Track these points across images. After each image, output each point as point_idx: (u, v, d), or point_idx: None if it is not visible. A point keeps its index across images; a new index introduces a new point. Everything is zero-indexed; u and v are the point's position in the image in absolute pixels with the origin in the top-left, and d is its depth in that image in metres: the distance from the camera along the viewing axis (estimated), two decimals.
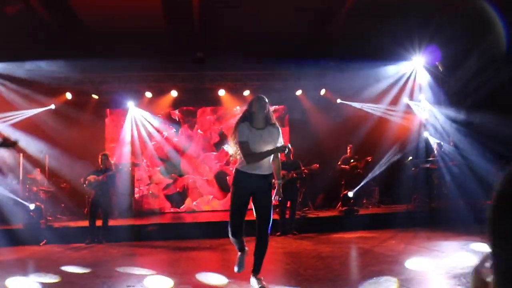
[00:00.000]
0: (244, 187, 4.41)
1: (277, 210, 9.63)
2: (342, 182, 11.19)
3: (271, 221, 4.54)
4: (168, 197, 12.86)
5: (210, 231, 8.76)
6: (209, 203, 12.76)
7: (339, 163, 11.32)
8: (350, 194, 9.99)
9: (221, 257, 6.87)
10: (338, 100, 12.76)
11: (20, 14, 9.60)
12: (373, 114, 12.34)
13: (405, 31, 10.21)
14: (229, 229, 4.46)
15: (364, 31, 9.82)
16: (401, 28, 9.89)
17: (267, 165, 4.41)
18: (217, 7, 10.04)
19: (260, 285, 4.38)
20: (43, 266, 6.28)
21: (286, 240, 8.15)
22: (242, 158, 4.39)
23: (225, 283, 4.87)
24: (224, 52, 11.20)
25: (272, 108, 13.07)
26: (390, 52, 10.54)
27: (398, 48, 10.62)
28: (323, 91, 12.65)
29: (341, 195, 10.41)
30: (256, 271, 4.53)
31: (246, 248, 4.67)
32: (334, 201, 11.33)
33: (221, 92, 12.37)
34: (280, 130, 4.55)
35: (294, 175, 8.79)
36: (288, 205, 8.89)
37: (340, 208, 10.19)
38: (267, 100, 4.46)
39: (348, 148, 11.43)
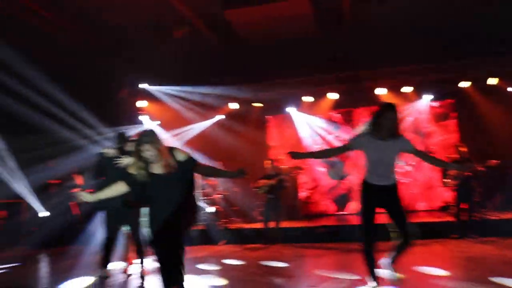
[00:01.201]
0: (368, 197, 4.52)
1: (452, 212, 9.09)
2: None
3: (406, 222, 4.46)
4: (333, 200, 13.02)
5: (380, 233, 8.60)
6: None
7: None
8: None
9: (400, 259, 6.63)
10: (510, 89, 11.53)
11: (187, 37, 10.65)
12: None
13: None
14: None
15: None
16: None
17: (386, 175, 4.45)
18: (367, 4, 9.91)
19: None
20: (225, 264, 6.81)
21: (464, 243, 7.62)
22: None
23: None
24: (380, 48, 10.97)
25: (436, 103, 12.41)
26: None
27: None
28: (494, 80, 11.55)
29: None
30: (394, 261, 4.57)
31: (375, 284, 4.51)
32: None
33: (380, 91, 12.07)
34: (406, 141, 4.48)
35: (470, 173, 8.21)
36: (464, 205, 8.32)
37: None
38: (395, 111, 4.39)
39: None
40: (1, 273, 7.33)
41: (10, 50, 9.07)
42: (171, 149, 3.93)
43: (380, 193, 4.44)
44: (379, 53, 11.04)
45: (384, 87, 12.01)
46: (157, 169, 3.81)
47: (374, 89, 12.10)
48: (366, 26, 10.45)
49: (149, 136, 3.82)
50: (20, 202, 10.96)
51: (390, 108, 4.40)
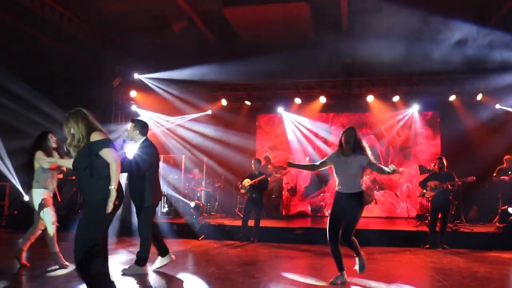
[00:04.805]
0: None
1: (426, 221, 9.34)
2: (499, 196, 10.37)
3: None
4: (311, 202, 13.30)
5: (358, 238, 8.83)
6: None
7: (494, 174, 10.50)
8: (511, 210, 9.20)
9: (368, 266, 6.83)
10: (497, 106, 11.81)
11: (184, 31, 10.75)
12: None
13: None
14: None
15: None
16: None
17: (350, 185, 5.27)
18: (365, 13, 10.10)
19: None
20: (204, 260, 6.98)
21: (435, 254, 7.85)
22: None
23: None
24: (372, 57, 11.14)
25: (423, 114, 12.45)
26: None
27: None
28: (480, 96, 11.82)
29: (500, 210, 9.65)
30: None
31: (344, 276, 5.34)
32: (489, 215, 10.61)
33: (370, 98, 12.29)
34: (365, 157, 5.29)
35: (449, 186, 8.45)
36: (439, 216, 8.55)
37: (497, 224, 9.47)
38: (354, 132, 5.34)
39: (505, 159, 10.53)
40: None
41: None
42: (90, 130, 3.94)
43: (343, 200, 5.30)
44: (371, 60, 11.24)
45: (373, 95, 12.22)
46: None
47: (365, 96, 12.32)
48: (362, 34, 10.61)
49: (71, 113, 3.98)
50: (4, 184, 10.96)
51: (350, 129, 5.39)
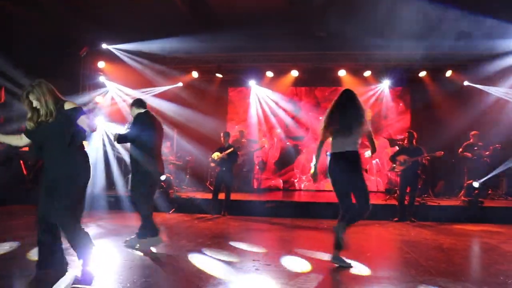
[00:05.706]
0: None
1: (395, 195, 9.51)
2: (465, 170, 10.63)
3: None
4: (282, 176, 13.34)
5: (328, 211, 8.91)
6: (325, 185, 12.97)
7: (460, 150, 10.74)
8: (476, 184, 9.45)
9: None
10: (465, 83, 12.01)
11: (154, 0, 10.40)
12: (507, 100, 11.45)
13: None
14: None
15: None
16: None
17: None
18: None
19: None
20: (175, 233, 6.92)
21: (404, 227, 8.02)
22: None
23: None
24: (345, 31, 11.06)
25: (394, 89, 12.57)
26: None
27: None
28: (449, 73, 11.97)
29: (465, 184, 9.90)
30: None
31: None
32: (455, 189, 10.89)
33: (342, 73, 12.27)
34: None
35: (420, 159, 8.63)
36: (408, 190, 8.71)
37: (462, 197, 9.72)
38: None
39: (471, 134, 10.78)
40: None
41: None
42: (58, 102, 3.94)
43: None
44: (344, 34, 11.15)
45: (345, 69, 12.21)
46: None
47: (337, 70, 12.30)
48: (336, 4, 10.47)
49: (34, 86, 3.89)
50: None
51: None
